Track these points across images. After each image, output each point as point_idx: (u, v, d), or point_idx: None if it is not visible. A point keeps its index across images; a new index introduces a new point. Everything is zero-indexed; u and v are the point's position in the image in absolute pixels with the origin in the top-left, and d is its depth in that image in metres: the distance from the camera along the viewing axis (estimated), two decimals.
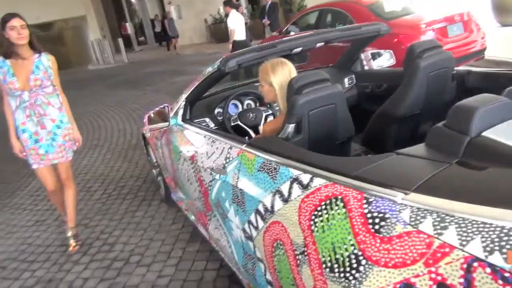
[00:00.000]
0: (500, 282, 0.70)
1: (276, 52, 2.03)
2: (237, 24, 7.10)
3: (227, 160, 1.67)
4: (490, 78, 2.00)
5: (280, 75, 1.72)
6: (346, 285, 0.98)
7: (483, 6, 7.95)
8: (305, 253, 1.15)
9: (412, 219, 0.88)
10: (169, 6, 17.69)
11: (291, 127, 1.62)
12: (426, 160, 1.07)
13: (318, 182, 1.16)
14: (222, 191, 1.71)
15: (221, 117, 2.57)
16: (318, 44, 2.19)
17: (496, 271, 0.72)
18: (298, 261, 1.18)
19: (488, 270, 0.73)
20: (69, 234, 2.90)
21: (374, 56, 3.01)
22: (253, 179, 1.45)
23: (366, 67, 2.88)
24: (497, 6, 7.96)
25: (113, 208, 3.51)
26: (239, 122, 2.40)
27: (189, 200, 2.37)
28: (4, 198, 4.17)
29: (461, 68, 2.06)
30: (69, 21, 17.18)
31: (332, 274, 1.03)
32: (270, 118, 2.49)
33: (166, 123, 2.38)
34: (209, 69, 2.09)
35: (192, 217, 2.57)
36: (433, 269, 0.80)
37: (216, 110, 2.56)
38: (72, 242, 2.87)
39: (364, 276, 0.93)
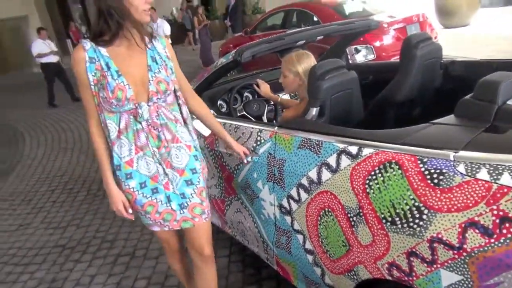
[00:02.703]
0: None
1: (284, 44, 2.18)
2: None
3: (258, 143, 1.79)
4: (471, 67, 2.29)
5: (305, 64, 1.87)
6: (411, 233, 1.14)
7: (427, 10, 8.66)
8: (360, 214, 1.30)
9: (468, 171, 1.06)
10: None
11: (315, 110, 1.76)
12: (461, 127, 1.27)
13: (367, 151, 1.32)
14: (254, 172, 1.82)
15: (224, 109, 2.66)
16: (318, 37, 2.37)
17: None
18: (353, 223, 1.33)
19: None
20: None
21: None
22: (293, 156, 1.58)
23: (350, 61, 3.10)
24: (440, 10, 8.72)
25: (102, 207, 3.45)
26: (244, 113, 2.51)
27: None
28: None
29: (446, 58, 2.33)
30: (8, 21, 16.13)
31: (394, 227, 1.19)
32: (271, 108, 2.62)
33: None
34: (223, 60, 2.18)
35: None
36: (494, 207, 0.99)
37: (219, 102, 2.64)
38: None
39: (428, 222, 1.10)
